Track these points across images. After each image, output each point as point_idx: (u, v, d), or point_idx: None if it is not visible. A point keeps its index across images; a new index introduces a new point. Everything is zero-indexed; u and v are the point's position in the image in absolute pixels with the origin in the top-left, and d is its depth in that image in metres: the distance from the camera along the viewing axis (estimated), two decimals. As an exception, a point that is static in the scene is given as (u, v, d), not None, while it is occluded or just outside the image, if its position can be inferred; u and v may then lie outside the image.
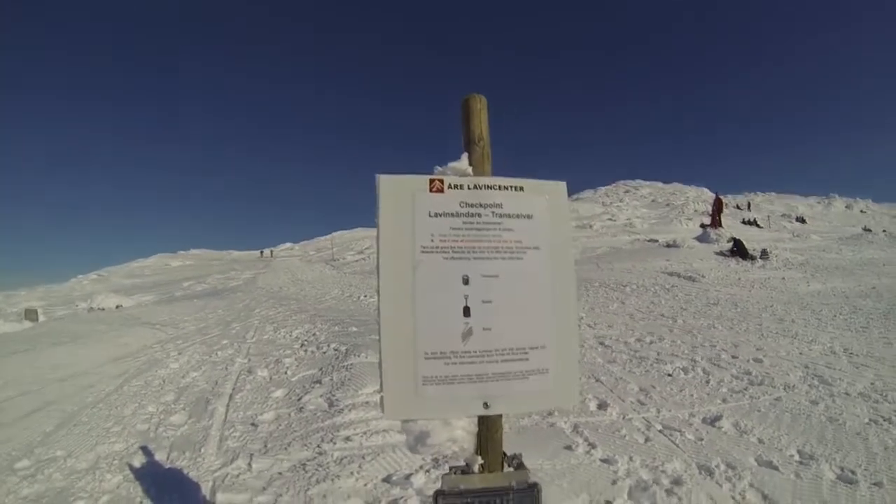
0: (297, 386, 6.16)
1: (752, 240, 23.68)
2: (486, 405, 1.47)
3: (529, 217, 1.56)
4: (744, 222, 49.59)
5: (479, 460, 1.50)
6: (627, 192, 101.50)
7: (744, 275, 16.19)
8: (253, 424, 4.95)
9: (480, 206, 1.52)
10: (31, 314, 16.03)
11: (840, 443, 4.04)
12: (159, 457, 4.36)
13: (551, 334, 1.55)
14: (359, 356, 7.05)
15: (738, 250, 20.17)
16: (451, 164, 1.55)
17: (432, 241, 1.46)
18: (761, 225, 47.69)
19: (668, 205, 77.23)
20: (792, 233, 38.26)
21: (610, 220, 57.96)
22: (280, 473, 3.83)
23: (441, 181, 1.51)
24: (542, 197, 1.59)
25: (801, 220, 68.92)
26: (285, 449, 4.28)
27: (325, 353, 7.78)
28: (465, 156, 1.57)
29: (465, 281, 1.47)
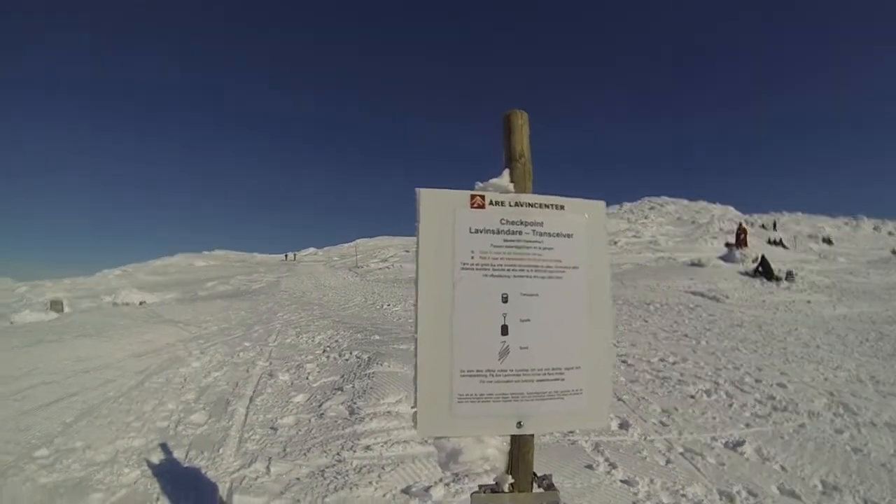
0: (319, 392, 6.17)
1: (778, 260, 23.31)
2: (519, 424, 1.46)
3: (569, 236, 1.55)
4: (769, 242, 48.90)
5: (510, 479, 1.48)
6: (653, 208, 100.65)
7: (768, 297, 15.95)
8: (273, 428, 4.96)
9: (521, 223, 1.51)
10: (56, 305, 16.29)
11: (864, 474, 3.95)
12: (178, 455, 4.39)
13: (587, 355, 1.53)
14: (381, 365, 7.04)
15: (764, 270, 19.88)
16: (493, 181, 1.54)
17: (472, 257, 1.45)
18: (787, 245, 46.99)
19: (693, 223, 76.45)
20: (818, 254, 37.62)
21: (635, 236, 57.49)
22: (298, 479, 3.84)
23: (482, 197, 1.50)
24: (582, 216, 1.58)
25: (828, 242, 67.78)
26: (304, 454, 4.28)
27: (347, 360, 7.78)
28: (506, 172, 1.57)
29: (505, 299, 1.46)
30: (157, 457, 4.34)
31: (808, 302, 14.95)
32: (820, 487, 3.76)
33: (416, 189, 1.48)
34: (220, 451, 4.43)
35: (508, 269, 1.47)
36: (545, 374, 1.48)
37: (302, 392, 6.17)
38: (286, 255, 69.82)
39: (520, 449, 1.51)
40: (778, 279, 19.16)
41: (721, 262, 23.91)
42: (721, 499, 3.58)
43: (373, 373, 6.68)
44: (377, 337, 9.67)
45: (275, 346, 9.12)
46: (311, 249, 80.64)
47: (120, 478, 3.91)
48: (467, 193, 1.50)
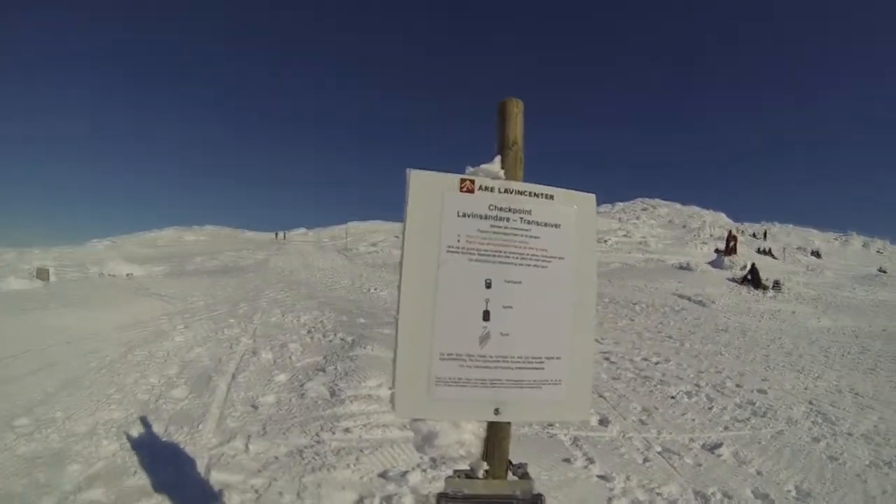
0: (301, 372, 6.18)
1: (766, 270, 23.48)
2: (497, 411, 1.45)
3: (557, 226, 1.54)
4: (759, 251, 49.23)
5: (485, 466, 1.48)
6: (645, 209, 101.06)
7: (754, 304, 16.08)
8: (253, 406, 4.96)
9: (510, 210, 1.50)
10: (42, 273, 16.17)
11: (839, 482, 3.99)
12: (157, 429, 4.38)
13: (568, 346, 1.53)
14: (364, 348, 7.06)
15: (752, 278, 20.04)
16: (484, 166, 1.53)
17: (458, 241, 1.44)
18: (776, 256, 47.32)
19: (684, 227, 76.84)
20: (806, 266, 37.91)
21: (625, 236, 57.72)
22: (276, 458, 3.84)
23: (472, 181, 1.49)
24: (572, 207, 1.58)
25: (817, 255, 68.32)
26: (284, 434, 4.29)
27: (331, 341, 7.80)
28: (497, 158, 1.56)
29: (488, 284, 1.45)
30: (136, 430, 4.32)
31: (794, 312, 15.08)
32: (794, 493, 3.79)
33: (407, 170, 1.47)
34: (200, 426, 4.42)
35: (494, 255, 1.46)
36: (525, 363, 1.47)
37: (284, 371, 6.17)
38: (276, 234, 69.66)
39: (496, 436, 1.51)
40: (765, 288, 19.32)
41: (709, 268, 24.07)
42: (696, 499, 3.61)
43: (356, 355, 6.69)
44: (362, 320, 9.69)
45: (260, 324, 9.12)
46: (302, 230, 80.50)
47: (98, 449, 3.89)
48: (457, 177, 1.49)
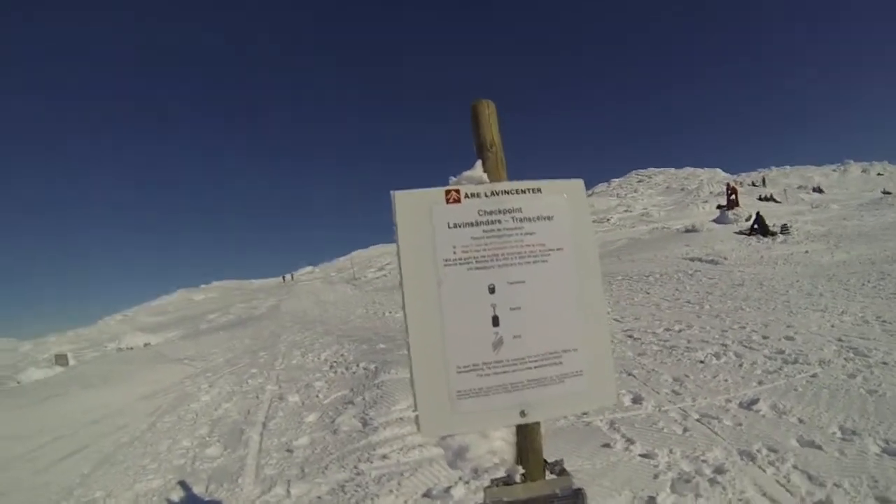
0: (330, 408, 6.17)
1: (771, 215, 23.44)
2: (522, 413, 1.44)
3: (550, 218, 1.53)
4: (760, 199, 49.11)
5: (521, 470, 1.47)
6: (641, 181, 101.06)
7: (766, 252, 16.01)
8: (288, 450, 4.95)
9: (499, 212, 1.49)
10: (61, 359, 16.27)
11: (882, 414, 3.96)
12: (197, 490, 4.37)
13: (582, 335, 1.52)
14: (388, 373, 7.05)
15: (759, 227, 19.97)
16: (466, 174, 1.53)
17: (454, 252, 1.44)
18: (779, 199, 47.21)
19: (682, 190, 76.78)
20: (811, 204, 37.86)
21: (626, 211, 57.67)
22: (319, 497, 3.83)
23: (457, 191, 1.49)
24: (561, 196, 1.57)
25: (819, 191, 68.13)
26: (323, 472, 4.27)
27: (354, 373, 7.79)
28: (478, 163, 1.55)
29: (492, 290, 1.44)
30: (177, 495, 4.33)
31: (806, 252, 15.02)
32: (839, 434, 3.76)
33: (391, 192, 1.47)
34: (239, 480, 4.41)
35: (492, 260, 1.46)
36: (542, 360, 1.46)
37: (314, 411, 6.16)
38: (283, 278, 69.70)
39: (526, 438, 1.49)
40: (773, 234, 19.25)
41: (715, 225, 24.04)
42: (742, 459, 3.58)
43: (381, 382, 6.68)
44: (382, 346, 9.67)
45: (282, 368, 9.11)
46: (308, 268, 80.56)
47: (142, 521, 3.90)
48: (442, 190, 1.49)
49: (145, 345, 17.52)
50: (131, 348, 17.12)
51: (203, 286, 74.14)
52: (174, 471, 4.91)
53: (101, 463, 5.30)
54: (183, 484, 4.53)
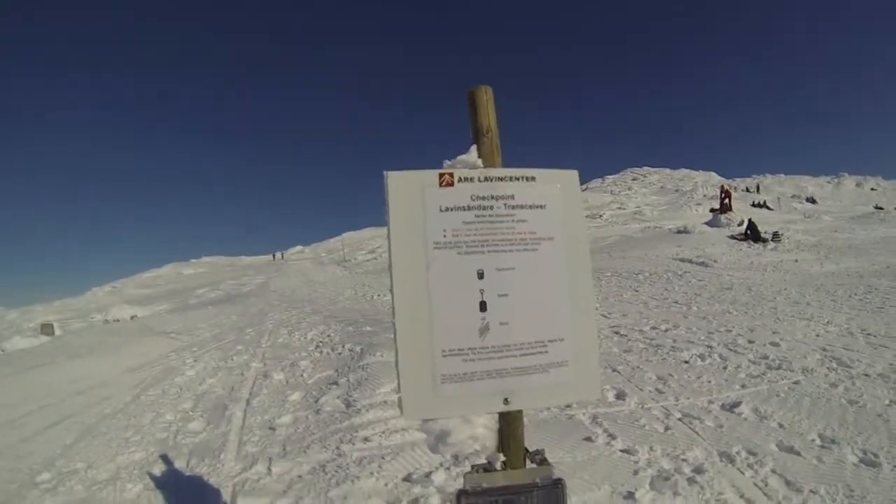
0: (314, 388, 6.17)
1: (763, 222, 23.55)
2: (506, 401, 1.44)
3: (542, 207, 1.53)
4: (753, 205, 49.33)
5: (501, 457, 1.48)
6: (636, 179, 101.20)
7: (756, 258, 16.09)
8: (271, 428, 4.95)
9: (492, 198, 1.48)
10: (47, 328, 16.17)
11: (861, 425, 3.99)
12: (179, 464, 4.36)
13: (569, 326, 1.52)
14: (374, 355, 7.06)
15: (752, 233, 20.07)
16: (461, 158, 1.52)
17: (445, 236, 1.43)
18: (771, 207, 47.43)
19: (677, 191, 76.92)
20: (803, 214, 38.04)
21: (619, 208, 57.76)
22: (300, 476, 3.83)
23: (450, 175, 1.48)
24: (555, 186, 1.56)
25: (812, 201, 68.50)
26: (304, 451, 4.28)
27: (340, 353, 7.79)
28: (473, 148, 1.54)
29: (480, 275, 1.44)
30: (158, 469, 4.32)
31: (796, 261, 15.09)
32: (818, 441, 3.79)
33: (384, 172, 1.46)
34: (221, 456, 4.41)
35: (482, 245, 1.45)
36: (528, 349, 1.46)
37: (297, 390, 6.16)
38: (273, 255, 69.46)
39: (509, 425, 1.50)
40: (765, 240, 19.33)
41: (707, 228, 24.11)
42: (721, 460, 3.61)
43: (366, 364, 6.69)
44: (368, 328, 9.67)
45: (268, 346, 9.10)
46: (299, 247, 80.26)
47: (123, 494, 3.88)
48: (435, 172, 1.48)
49: (132, 317, 17.42)
50: (118, 320, 17.01)
51: (193, 261, 73.82)
52: (156, 444, 4.90)
53: (85, 434, 5.28)
54: (165, 458, 4.52)
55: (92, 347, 10.02)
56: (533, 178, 1.54)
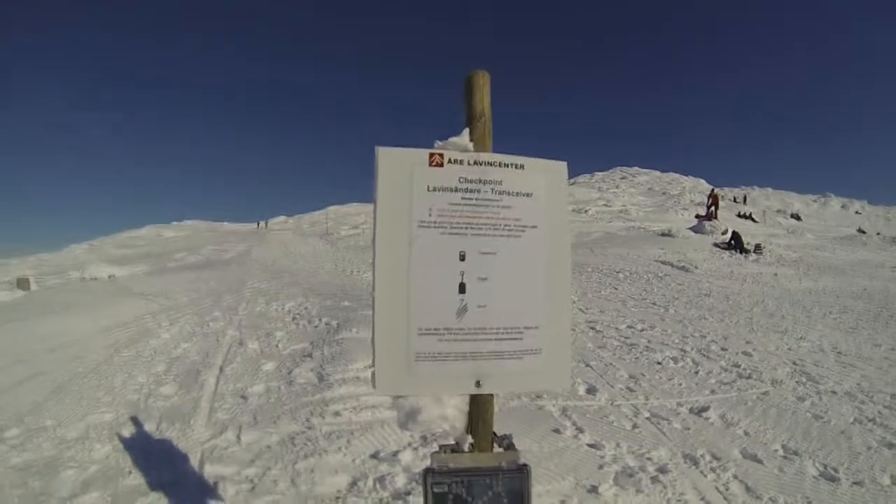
0: (288, 359, 6.17)
1: (747, 234, 23.73)
2: (478, 384, 1.46)
3: (529, 195, 1.54)
4: (739, 216, 49.72)
5: (470, 439, 1.49)
6: (624, 178, 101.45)
7: (737, 268, 16.25)
8: (243, 397, 4.95)
9: (480, 181, 1.49)
10: (23, 283, 15.94)
11: (824, 440, 4.07)
12: (149, 427, 4.35)
13: (545, 314, 1.54)
14: (350, 331, 7.07)
15: (736, 244, 20.26)
16: (452, 139, 1.52)
17: (430, 215, 1.44)
18: (756, 219, 47.83)
19: (664, 194, 77.21)
20: (787, 229, 38.37)
21: (605, 205, 57.84)
22: (268, 447, 3.85)
23: (441, 155, 1.48)
24: (543, 176, 1.57)
25: (797, 217, 69.19)
26: (274, 422, 4.29)
27: (316, 327, 7.80)
28: (465, 131, 1.54)
29: (462, 257, 1.45)
30: (128, 430, 4.30)
31: (776, 275, 15.26)
32: (781, 452, 3.87)
33: (375, 147, 1.46)
34: (191, 421, 4.41)
35: (466, 227, 1.46)
36: (503, 333, 1.48)
37: (271, 360, 6.17)
38: (258, 224, 68.87)
39: (479, 409, 1.51)
40: (746, 252, 19.52)
41: (691, 234, 24.29)
42: (685, 462, 3.67)
43: (342, 339, 6.70)
44: (347, 303, 9.67)
45: (245, 315, 9.07)
46: (282, 217, 79.57)
47: (91, 453, 3.86)
48: (426, 152, 1.48)
49: (110, 276, 17.22)
50: (96, 279, 16.81)
51: (175, 223, 72.98)
52: (127, 405, 4.87)
53: (55, 392, 5.23)
54: (135, 420, 4.51)
55: (67, 305, 9.89)
56: (522, 166, 1.55)
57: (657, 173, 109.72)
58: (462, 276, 1.44)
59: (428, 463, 1.45)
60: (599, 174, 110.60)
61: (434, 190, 1.45)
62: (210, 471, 3.54)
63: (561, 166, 1.62)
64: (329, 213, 67.00)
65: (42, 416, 4.60)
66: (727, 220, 31.74)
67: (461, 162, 1.49)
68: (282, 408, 4.62)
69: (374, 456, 3.65)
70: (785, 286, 13.38)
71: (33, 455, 3.86)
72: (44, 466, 3.68)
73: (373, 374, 1.42)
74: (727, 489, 3.33)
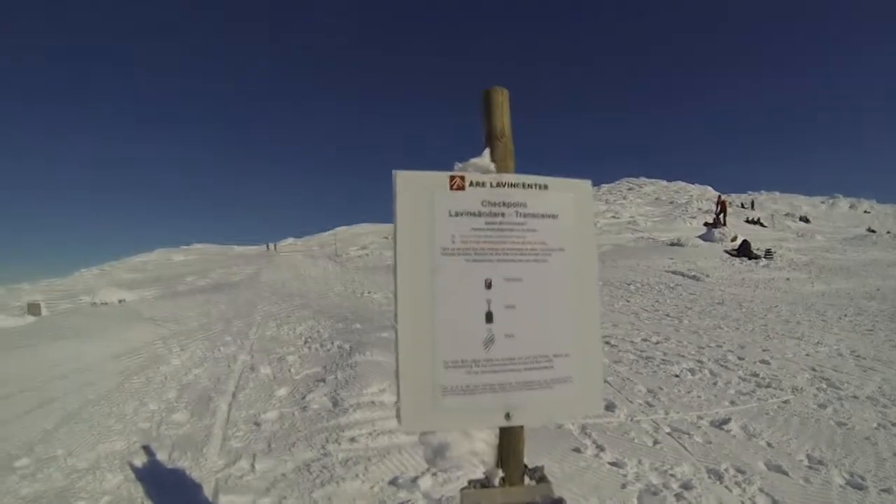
0: (301, 384, 6.11)
1: (756, 239, 23.66)
2: (507, 416, 1.39)
3: (554, 217, 1.48)
4: (747, 221, 49.53)
5: (500, 473, 1.43)
6: (631, 189, 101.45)
7: (748, 275, 16.14)
8: (256, 423, 4.89)
9: (504, 204, 1.43)
10: (33, 308, 15.98)
11: (849, 448, 4.00)
12: (161, 456, 4.31)
13: (575, 340, 1.47)
14: (363, 354, 7.00)
15: (744, 251, 20.18)
16: (473, 161, 1.47)
17: (453, 242, 1.38)
18: (765, 224, 47.65)
19: (671, 203, 77.11)
20: (796, 233, 38.19)
21: (613, 217, 57.77)
22: (284, 475, 3.78)
23: (462, 178, 1.42)
24: (568, 196, 1.51)
25: (805, 220, 68.90)
26: (289, 449, 4.22)
27: (328, 350, 7.73)
28: (486, 151, 1.49)
29: (488, 285, 1.39)
30: (139, 459, 4.25)
31: (788, 279, 15.15)
32: (806, 462, 3.79)
33: (393, 171, 1.40)
34: (204, 450, 4.35)
35: (491, 253, 1.40)
36: (533, 363, 1.41)
37: (284, 385, 6.10)
38: (267, 246, 69.15)
39: (509, 441, 1.45)
40: (757, 257, 19.41)
41: (700, 242, 24.20)
42: (709, 477, 3.59)
43: (355, 362, 6.63)
44: (358, 325, 9.61)
45: (256, 339, 9.02)
46: (290, 240, 79.89)
47: (103, 483, 3.83)
48: (446, 175, 1.42)
49: (120, 301, 17.24)
50: (106, 303, 16.83)
51: (183, 247, 73.29)
52: (139, 434, 4.83)
53: (66, 420, 5.20)
54: (147, 448, 4.46)
55: (78, 330, 9.89)
56: (546, 187, 1.49)
57: (664, 182, 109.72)
58: (488, 304, 1.38)
59: (452, 490, 1.38)
60: (606, 186, 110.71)
61: (456, 215, 1.40)
62: (224, 501, 3.48)
63: (585, 185, 1.56)
64: (337, 234, 67.26)
65: (52, 445, 4.57)
66: (736, 227, 31.64)
67: (483, 184, 1.44)
68: (296, 434, 4.56)
69: (393, 482, 3.58)
70: (798, 290, 13.28)
71: (44, 486, 3.83)
72: (54, 497, 3.64)
73: (398, 409, 1.35)
74: (753, 503, 3.26)
